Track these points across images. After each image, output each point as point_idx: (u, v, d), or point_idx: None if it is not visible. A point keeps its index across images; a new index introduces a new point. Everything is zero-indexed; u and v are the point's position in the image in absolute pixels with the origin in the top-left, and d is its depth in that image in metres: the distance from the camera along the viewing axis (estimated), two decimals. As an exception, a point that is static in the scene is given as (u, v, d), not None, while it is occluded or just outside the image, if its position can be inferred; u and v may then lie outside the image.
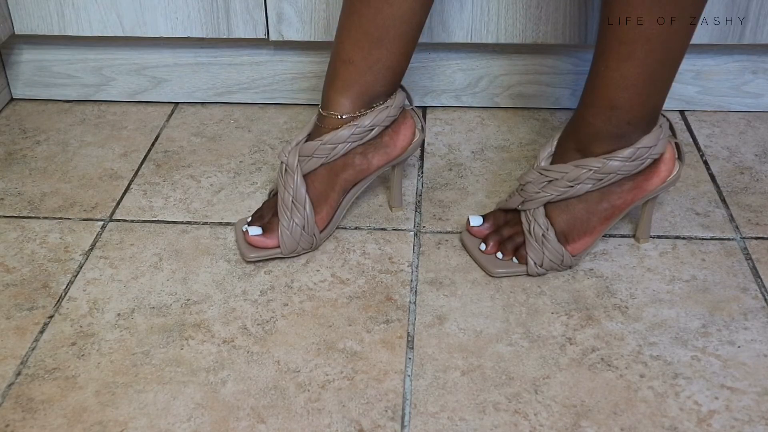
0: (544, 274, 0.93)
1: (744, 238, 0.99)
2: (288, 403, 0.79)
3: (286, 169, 0.94)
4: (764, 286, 0.92)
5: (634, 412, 0.78)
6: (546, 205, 0.92)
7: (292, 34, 1.18)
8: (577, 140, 0.92)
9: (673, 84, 1.22)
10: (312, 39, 1.18)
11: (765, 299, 0.90)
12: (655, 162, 0.92)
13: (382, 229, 1.02)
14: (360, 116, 0.94)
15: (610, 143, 0.90)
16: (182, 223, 1.03)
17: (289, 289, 0.93)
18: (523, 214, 0.94)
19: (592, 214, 0.92)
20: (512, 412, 0.78)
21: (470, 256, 0.96)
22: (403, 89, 0.99)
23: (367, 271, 0.95)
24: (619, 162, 0.89)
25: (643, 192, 0.93)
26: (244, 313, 0.90)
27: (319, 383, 0.81)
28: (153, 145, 1.19)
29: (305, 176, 0.94)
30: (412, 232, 1.01)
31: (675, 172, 0.94)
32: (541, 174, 0.92)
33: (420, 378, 0.82)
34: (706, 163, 1.13)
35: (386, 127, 0.97)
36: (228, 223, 1.03)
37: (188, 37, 1.20)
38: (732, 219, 1.02)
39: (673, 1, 0.82)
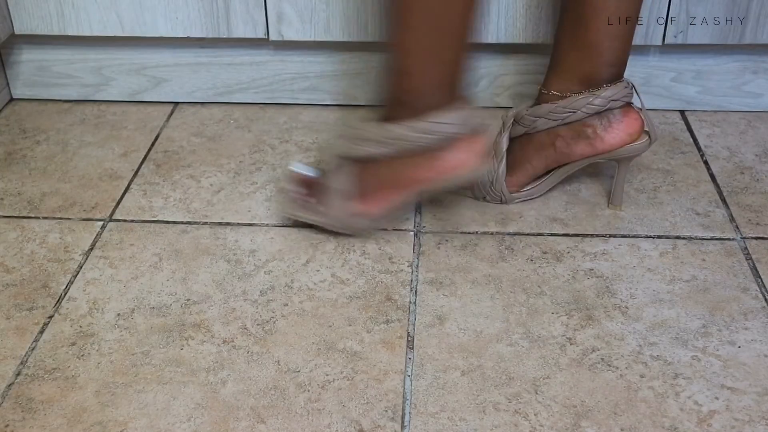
0: (337, 229, 0.98)
1: (744, 238, 0.99)
2: (288, 403, 0.79)
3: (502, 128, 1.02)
4: (764, 286, 0.92)
5: (635, 413, 0.78)
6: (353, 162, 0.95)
7: (292, 34, 1.18)
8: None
9: (673, 84, 1.22)
10: (312, 39, 1.18)
11: (765, 299, 0.90)
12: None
13: (382, 229, 1.02)
14: (564, 97, 0.97)
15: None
16: (182, 223, 1.03)
17: (289, 289, 0.93)
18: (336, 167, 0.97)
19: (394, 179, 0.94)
20: (512, 412, 0.78)
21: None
22: (629, 85, 0.96)
23: (367, 271, 0.95)
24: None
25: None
26: (244, 313, 0.90)
27: (319, 383, 0.81)
28: (153, 145, 1.19)
29: (511, 139, 1.01)
30: (412, 232, 1.01)
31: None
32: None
33: (420, 378, 0.82)
34: (706, 163, 1.13)
35: (591, 116, 0.96)
36: (228, 223, 1.03)
37: (188, 37, 1.20)
38: (732, 219, 1.02)
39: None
